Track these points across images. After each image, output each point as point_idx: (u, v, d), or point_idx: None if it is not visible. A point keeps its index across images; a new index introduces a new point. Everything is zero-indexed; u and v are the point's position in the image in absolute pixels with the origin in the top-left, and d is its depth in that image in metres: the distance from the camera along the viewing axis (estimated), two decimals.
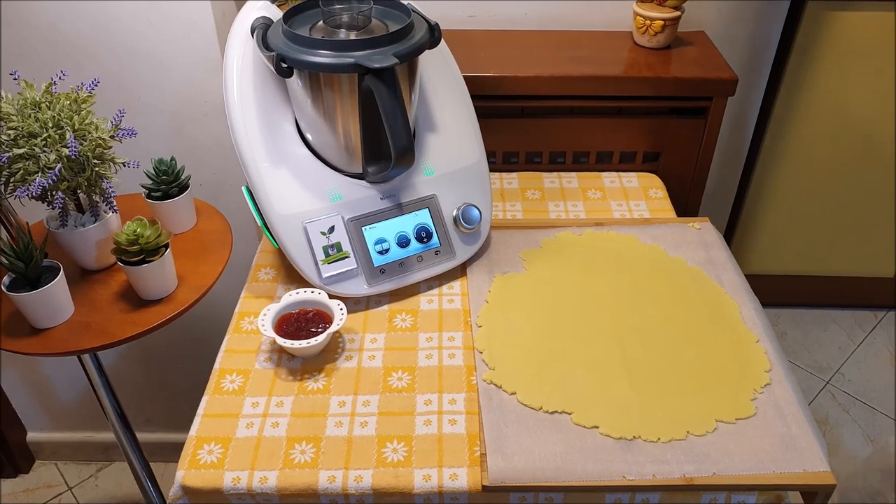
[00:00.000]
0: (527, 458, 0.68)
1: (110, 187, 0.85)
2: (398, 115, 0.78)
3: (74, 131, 0.80)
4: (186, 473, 0.69)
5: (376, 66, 0.75)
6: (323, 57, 0.77)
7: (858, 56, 1.39)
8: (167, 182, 0.96)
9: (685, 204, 1.23)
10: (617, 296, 0.88)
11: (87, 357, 0.99)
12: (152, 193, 0.96)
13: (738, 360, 0.79)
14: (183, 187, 0.98)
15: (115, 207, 0.88)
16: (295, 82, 0.83)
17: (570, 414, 0.73)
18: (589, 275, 0.91)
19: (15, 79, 0.82)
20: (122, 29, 1.05)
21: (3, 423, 1.54)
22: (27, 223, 0.86)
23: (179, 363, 1.45)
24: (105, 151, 0.84)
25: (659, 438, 0.70)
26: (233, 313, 0.88)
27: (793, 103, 1.48)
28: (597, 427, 0.71)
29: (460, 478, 0.68)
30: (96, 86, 0.85)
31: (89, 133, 0.81)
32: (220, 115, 1.10)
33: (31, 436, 1.62)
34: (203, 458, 0.71)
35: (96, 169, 0.82)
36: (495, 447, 0.69)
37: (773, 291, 1.82)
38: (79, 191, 0.86)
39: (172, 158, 0.97)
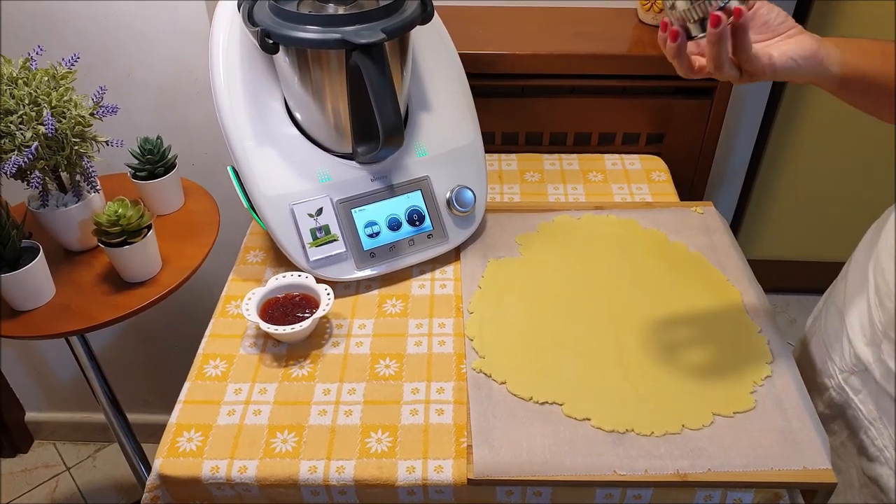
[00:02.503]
0: (514, 451, 0.66)
1: (91, 166, 0.82)
2: (387, 93, 0.75)
3: (52, 108, 0.77)
4: (164, 462, 0.67)
5: (363, 41, 0.72)
6: (308, 32, 0.74)
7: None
8: (153, 161, 0.93)
9: (690, 187, 1.19)
10: (614, 282, 0.85)
11: (75, 339, 0.97)
12: (137, 173, 0.94)
13: (739, 351, 0.76)
14: (169, 167, 0.95)
15: (98, 187, 0.86)
16: (282, 59, 0.80)
17: (560, 405, 0.70)
18: (586, 260, 0.88)
19: None
20: (110, 5, 1.02)
21: (1, 403, 1.54)
22: (6, 202, 0.84)
23: (177, 344, 1.44)
24: (86, 129, 0.82)
25: (653, 432, 0.67)
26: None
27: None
28: (588, 419, 0.69)
29: (445, 470, 0.66)
30: (76, 61, 0.82)
31: (68, 110, 0.79)
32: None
33: (30, 415, 1.62)
34: (182, 445, 0.69)
35: (76, 147, 0.80)
36: (482, 439, 0.67)
37: (783, 277, 1.78)
38: (60, 170, 0.83)
39: (158, 137, 0.94)
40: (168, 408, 0.73)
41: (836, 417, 0.76)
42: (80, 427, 1.63)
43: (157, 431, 1.51)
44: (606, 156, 1.11)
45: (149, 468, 1.15)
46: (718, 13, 0.54)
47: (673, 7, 0.57)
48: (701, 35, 0.57)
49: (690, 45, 0.59)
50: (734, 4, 0.54)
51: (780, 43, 0.58)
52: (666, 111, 1.12)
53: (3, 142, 0.75)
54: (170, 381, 1.54)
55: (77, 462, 1.61)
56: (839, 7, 1.31)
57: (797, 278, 1.77)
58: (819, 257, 1.71)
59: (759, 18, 0.59)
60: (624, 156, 1.11)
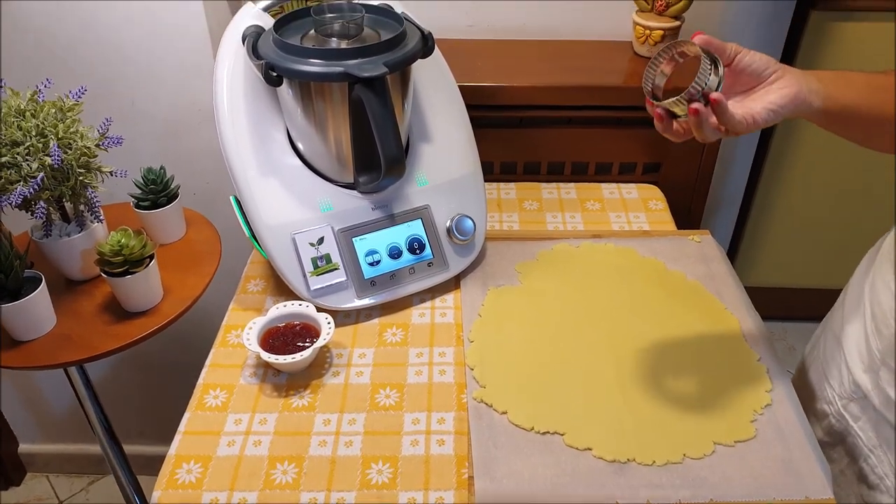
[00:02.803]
0: (516, 482, 0.66)
1: (95, 196, 0.83)
2: (388, 124, 0.76)
3: (59, 140, 0.78)
4: (163, 494, 0.67)
5: (366, 75, 0.73)
6: (312, 66, 0.76)
7: (863, 66, 1.36)
8: (156, 191, 0.94)
9: (687, 215, 1.20)
10: (614, 311, 0.85)
11: (73, 369, 0.97)
12: (140, 203, 0.95)
13: (738, 380, 0.76)
14: (172, 197, 0.96)
15: (101, 217, 0.86)
16: (285, 91, 0.81)
17: (562, 435, 0.70)
18: (585, 289, 0.89)
19: (0, 86, 0.81)
20: (115, 34, 1.04)
21: None
22: (10, 232, 0.84)
23: (174, 374, 1.43)
24: (91, 160, 0.82)
25: (654, 461, 0.67)
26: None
27: None
28: (590, 449, 0.68)
29: (446, 501, 0.65)
30: (83, 94, 0.83)
31: (74, 142, 0.80)
32: (215, 123, 1.10)
33: (23, 447, 1.60)
34: (182, 477, 0.68)
35: (81, 178, 0.81)
36: (483, 470, 0.67)
37: (781, 305, 1.78)
38: (64, 200, 0.84)
39: (161, 167, 0.95)
40: (164, 438, 0.72)
41: (835, 445, 0.76)
42: (74, 459, 1.61)
43: (151, 463, 1.50)
44: (604, 185, 1.12)
45: (144, 501, 1.14)
46: (697, 105, 0.56)
47: (654, 97, 0.61)
48: (684, 116, 0.60)
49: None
50: (711, 93, 0.56)
51: (763, 94, 0.60)
52: (662, 141, 1.11)
53: (8, 173, 0.76)
54: (166, 411, 1.53)
55: (70, 495, 1.58)
56: (834, 27, 1.33)
57: (795, 306, 1.77)
58: (816, 284, 1.72)
59: (745, 70, 0.60)
60: (621, 185, 1.12)
